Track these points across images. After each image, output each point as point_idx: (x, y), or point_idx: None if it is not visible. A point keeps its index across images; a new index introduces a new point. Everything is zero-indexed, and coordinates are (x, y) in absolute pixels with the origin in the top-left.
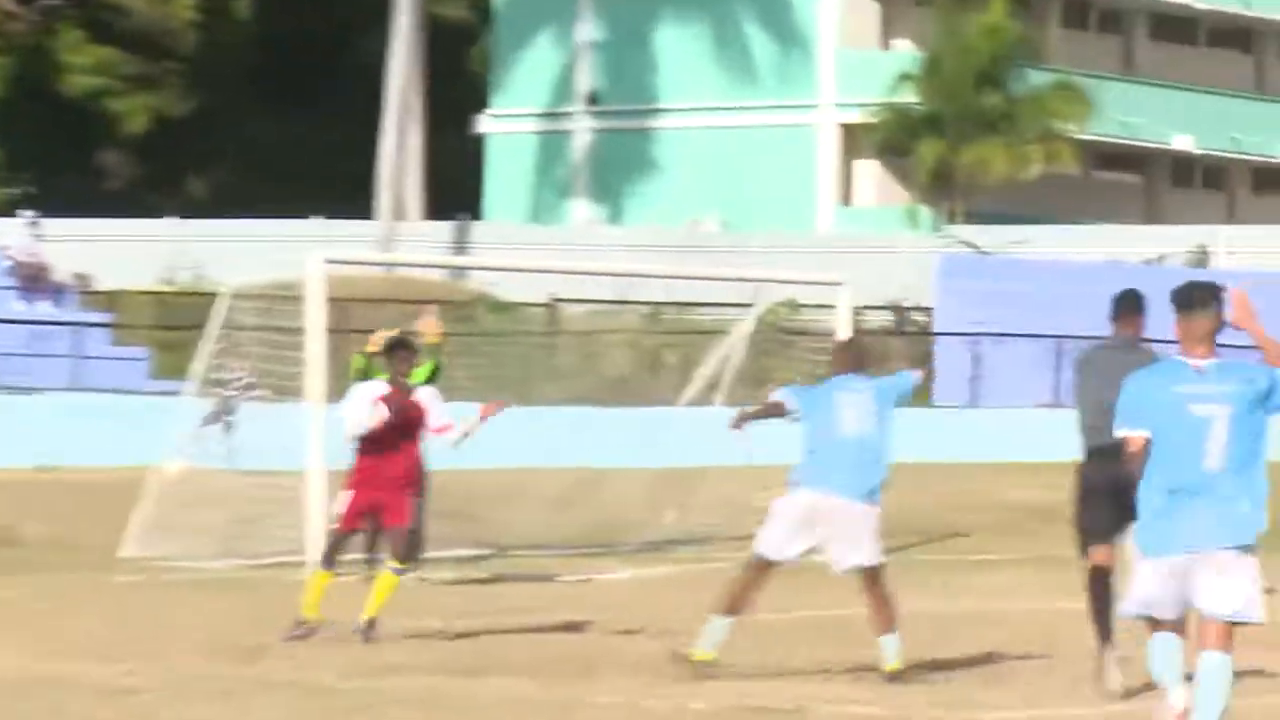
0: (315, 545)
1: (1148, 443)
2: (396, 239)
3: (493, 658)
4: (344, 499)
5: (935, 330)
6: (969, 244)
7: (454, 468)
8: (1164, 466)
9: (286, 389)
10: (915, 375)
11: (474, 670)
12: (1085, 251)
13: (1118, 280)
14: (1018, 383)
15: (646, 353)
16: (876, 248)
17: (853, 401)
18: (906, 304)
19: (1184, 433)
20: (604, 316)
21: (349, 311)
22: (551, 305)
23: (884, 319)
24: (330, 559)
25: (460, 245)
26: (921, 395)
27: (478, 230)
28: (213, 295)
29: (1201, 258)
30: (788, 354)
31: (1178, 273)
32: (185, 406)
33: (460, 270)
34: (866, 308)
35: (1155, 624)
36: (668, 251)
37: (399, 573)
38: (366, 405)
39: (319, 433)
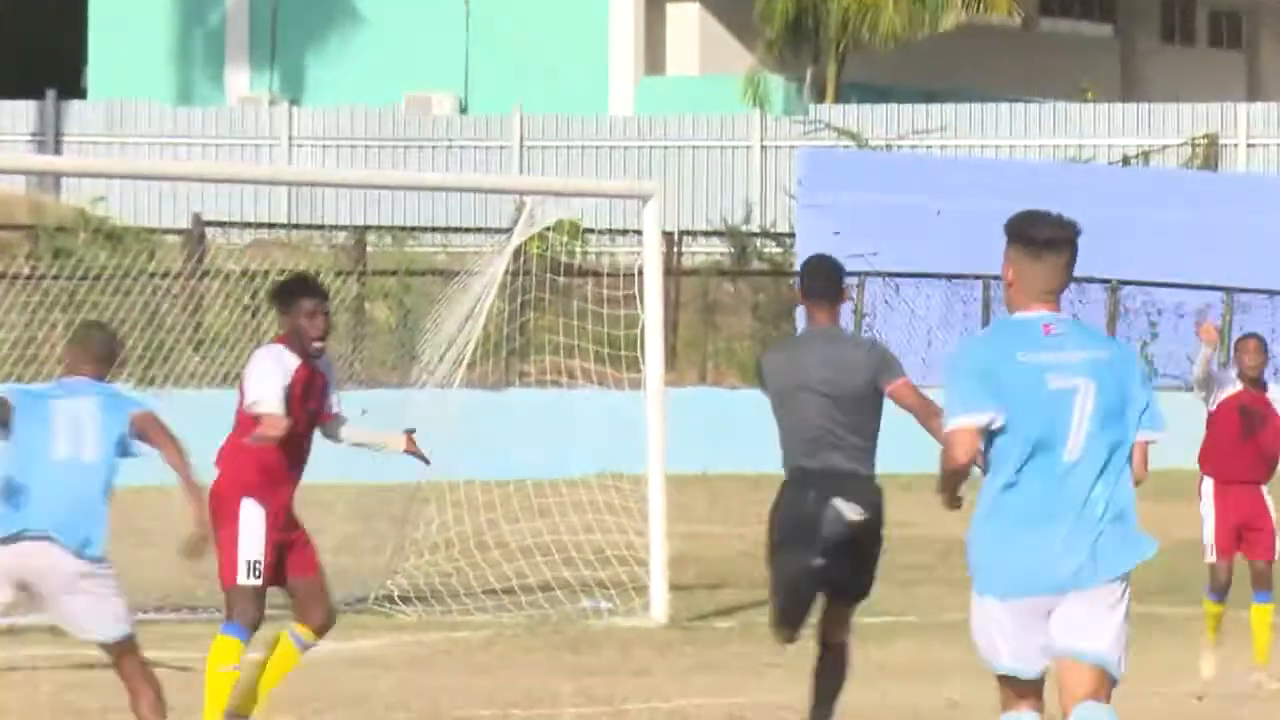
0: None
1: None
2: None
3: None
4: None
5: (796, 269)
6: (846, 133)
7: None
8: (1013, 464)
9: None
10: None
11: None
12: (1026, 146)
13: (1076, 191)
14: (926, 348)
15: (344, 304)
16: (702, 140)
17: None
18: (750, 228)
19: (1041, 417)
20: (277, 249)
21: None
22: (195, 232)
23: (715, 250)
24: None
25: (49, 138)
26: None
27: (77, 114)
28: None
29: (1209, 152)
30: (565, 306)
31: (1169, 176)
32: None
33: (50, 177)
34: (689, 233)
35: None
36: (376, 147)
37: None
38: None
39: None
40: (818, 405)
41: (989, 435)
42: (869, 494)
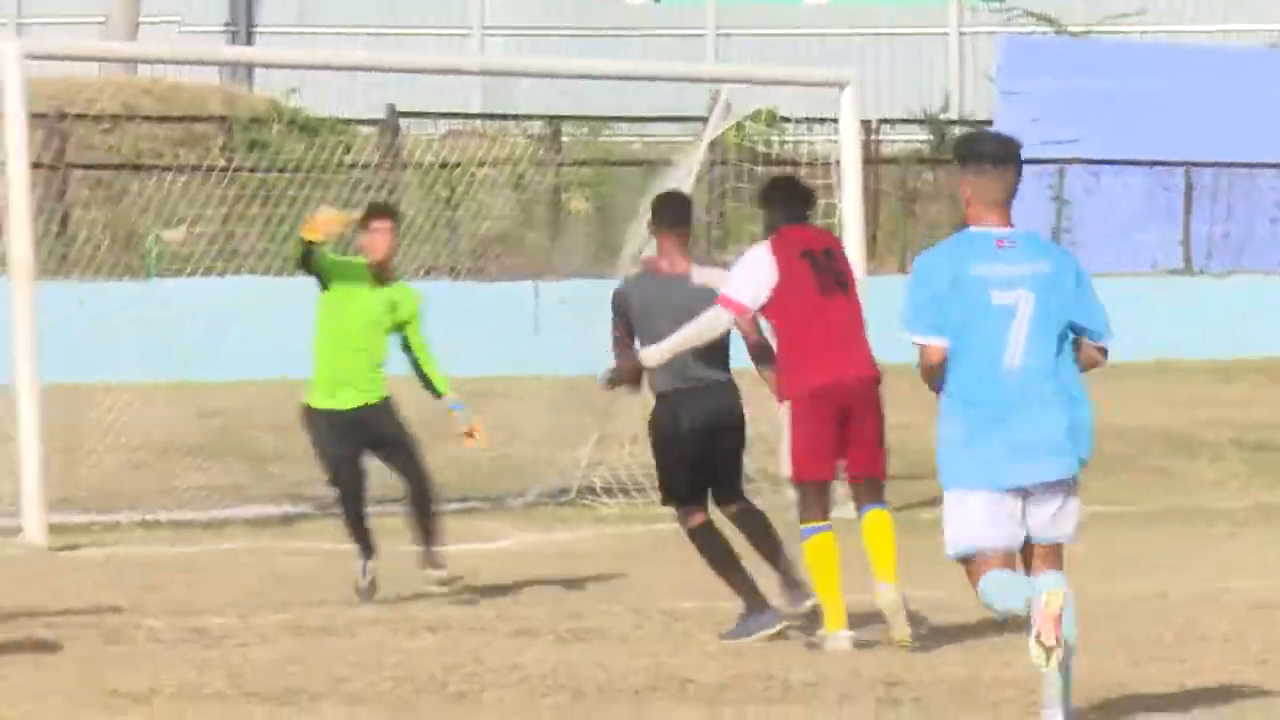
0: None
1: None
2: (138, 19)
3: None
4: None
5: None
6: (1044, 19)
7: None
8: (963, 371)
9: None
10: None
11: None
12: (1226, 31)
13: None
14: (1126, 236)
15: (541, 196)
16: (899, 28)
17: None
18: (948, 116)
19: (984, 329)
20: (472, 139)
21: (87, 137)
22: (390, 123)
23: (913, 138)
24: None
25: (241, 29)
26: None
27: (268, 3)
28: None
29: None
30: None
31: None
32: None
33: (243, 68)
34: (886, 122)
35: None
36: (569, 36)
37: None
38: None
39: (28, 336)
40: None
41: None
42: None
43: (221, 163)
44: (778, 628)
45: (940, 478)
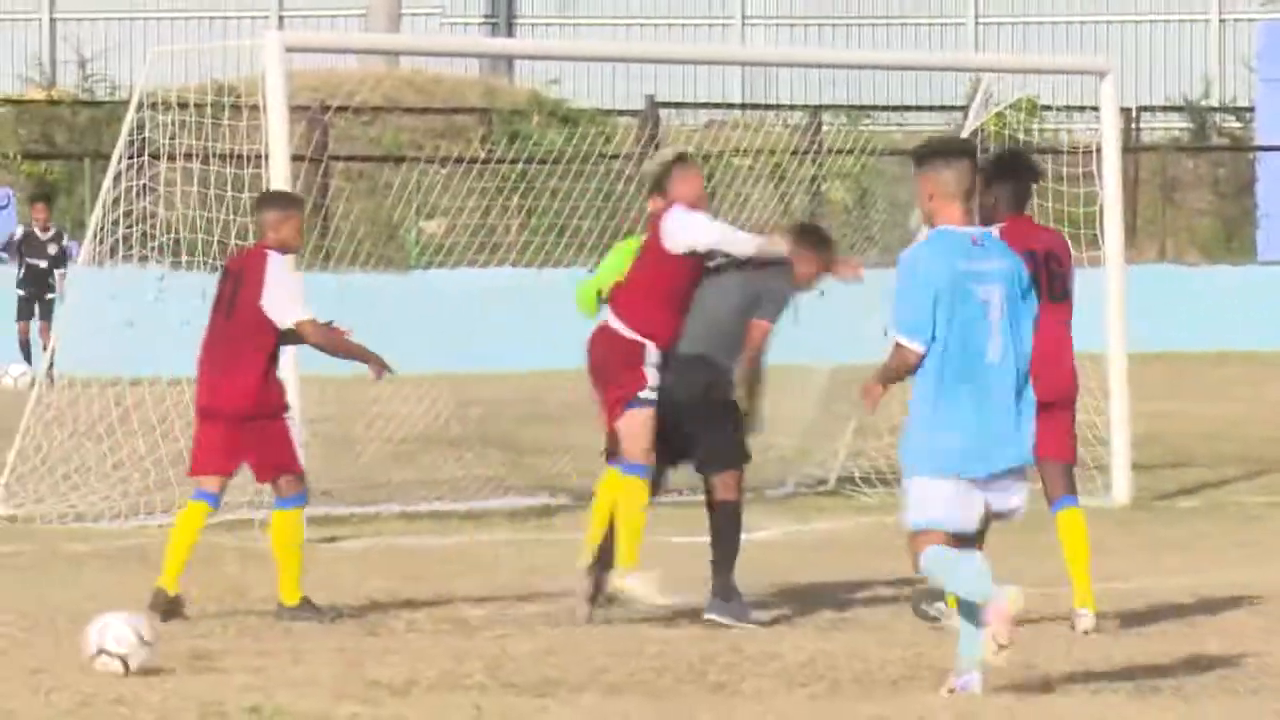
0: None
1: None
2: (400, 11)
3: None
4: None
5: (1255, 144)
6: None
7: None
8: (945, 362)
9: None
10: None
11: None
12: None
13: None
14: None
15: (801, 184)
16: (1160, 14)
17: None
18: (1209, 103)
19: (970, 323)
20: (732, 130)
21: (348, 129)
22: (649, 113)
23: (1173, 126)
24: None
25: (502, 21)
26: (1239, 248)
27: None
28: (111, 105)
29: None
30: None
31: None
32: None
33: (503, 60)
34: (1147, 109)
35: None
36: (829, 25)
37: None
38: None
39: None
40: None
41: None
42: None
43: (482, 154)
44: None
45: (908, 459)
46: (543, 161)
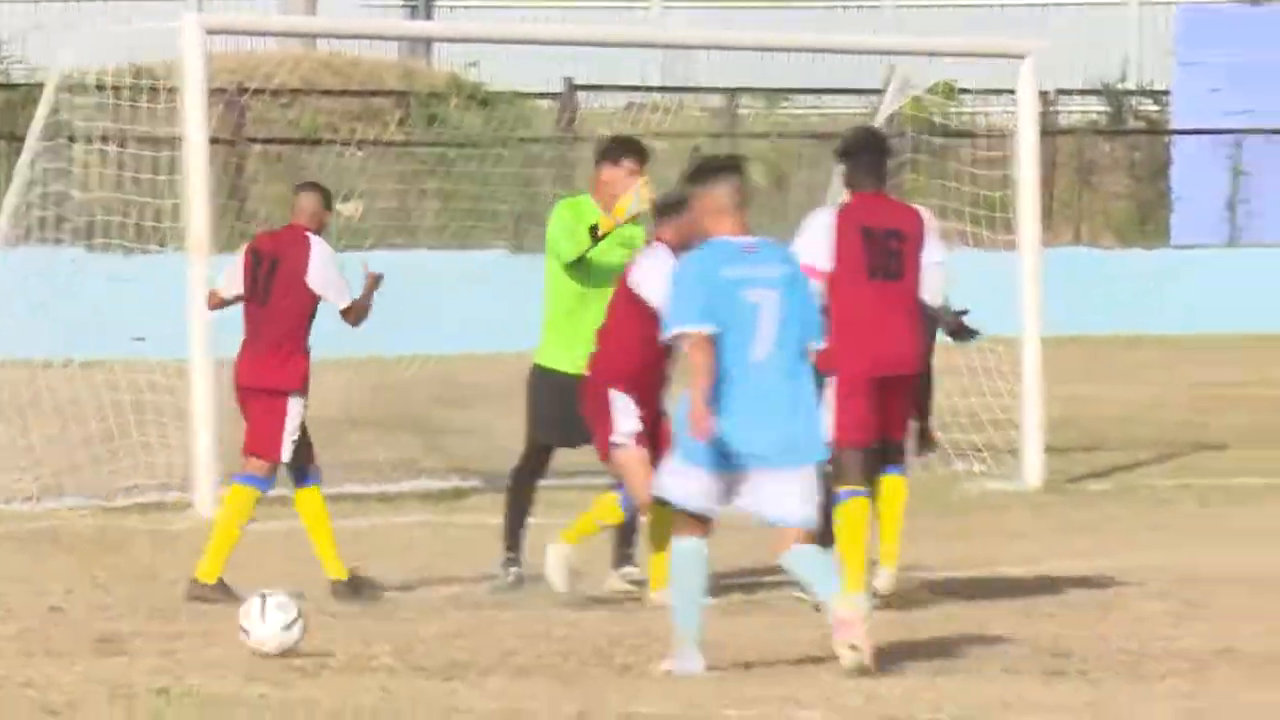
0: (206, 476)
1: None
2: None
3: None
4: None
5: (1173, 127)
6: None
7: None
8: (718, 364)
9: (146, 233)
10: None
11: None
12: None
13: None
14: None
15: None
16: None
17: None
18: (1126, 86)
19: (737, 324)
20: (650, 112)
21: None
22: (567, 96)
23: (1091, 109)
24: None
25: (421, 3)
26: (1154, 232)
27: None
28: (27, 88)
29: None
30: (939, 168)
31: None
32: None
33: (422, 43)
34: (1064, 92)
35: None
36: (748, 9)
37: None
38: None
39: (204, 311)
40: None
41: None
42: None
43: (399, 137)
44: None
45: (675, 445)
46: (461, 144)
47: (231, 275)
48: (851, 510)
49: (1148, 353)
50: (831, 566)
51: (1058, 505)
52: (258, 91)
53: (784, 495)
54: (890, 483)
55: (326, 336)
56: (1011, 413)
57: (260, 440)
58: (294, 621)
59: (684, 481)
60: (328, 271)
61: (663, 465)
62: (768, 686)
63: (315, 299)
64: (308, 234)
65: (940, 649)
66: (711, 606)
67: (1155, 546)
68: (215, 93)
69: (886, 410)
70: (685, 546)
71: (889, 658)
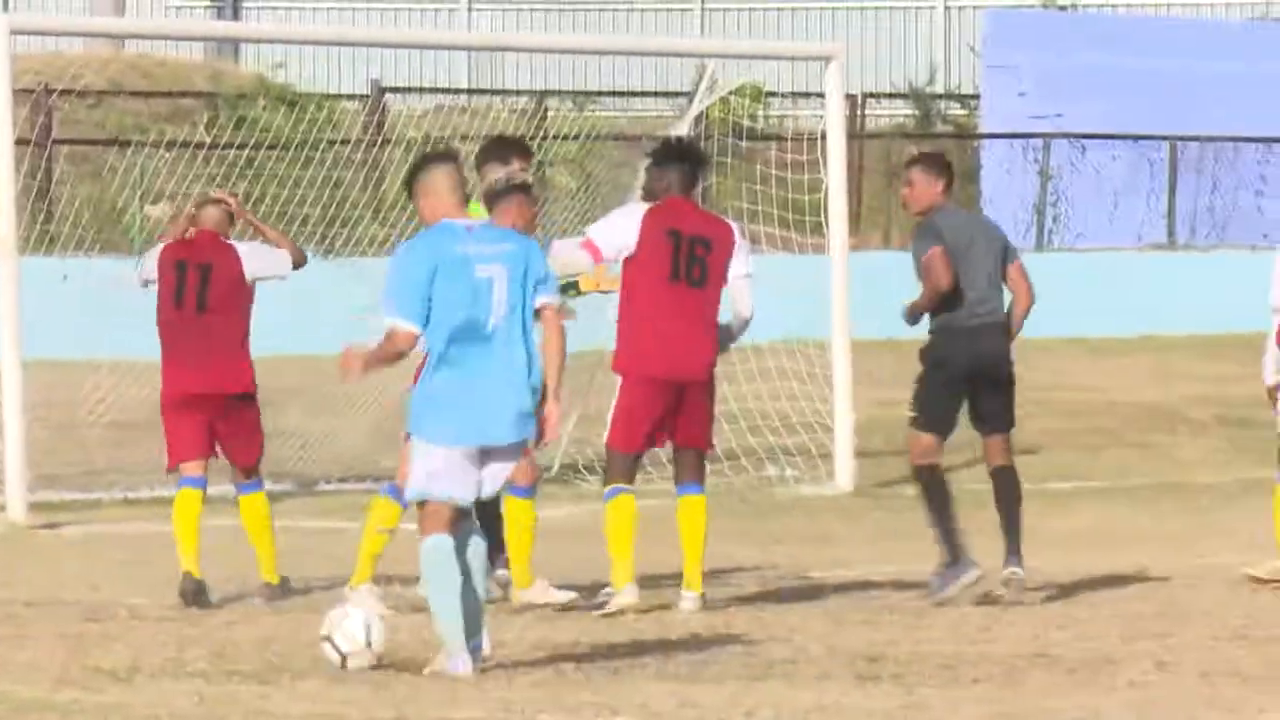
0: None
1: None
2: None
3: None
4: None
5: (981, 131)
6: None
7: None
8: (448, 340)
9: None
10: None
11: None
12: (1213, 4)
13: (1262, 50)
14: (1111, 209)
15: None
16: (885, 1)
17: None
18: (934, 89)
19: (470, 297)
20: (458, 115)
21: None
22: (375, 98)
23: (899, 113)
24: None
25: (228, 4)
26: None
27: None
28: None
29: None
30: (748, 172)
31: None
32: None
33: (229, 43)
34: (872, 96)
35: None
36: (556, 10)
37: None
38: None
39: (11, 312)
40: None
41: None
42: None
43: (207, 138)
44: (975, 577)
45: (411, 426)
46: (269, 146)
47: (152, 257)
48: (617, 507)
49: None
50: (453, 582)
51: (869, 509)
52: (65, 92)
53: (509, 468)
54: (689, 504)
55: (129, 340)
56: (823, 416)
57: (250, 449)
58: (370, 628)
59: (430, 471)
60: (257, 257)
61: (411, 468)
62: (583, 692)
63: (253, 297)
64: (219, 237)
65: (754, 655)
66: (523, 609)
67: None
68: (21, 94)
69: (681, 419)
70: (432, 544)
71: (703, 664)
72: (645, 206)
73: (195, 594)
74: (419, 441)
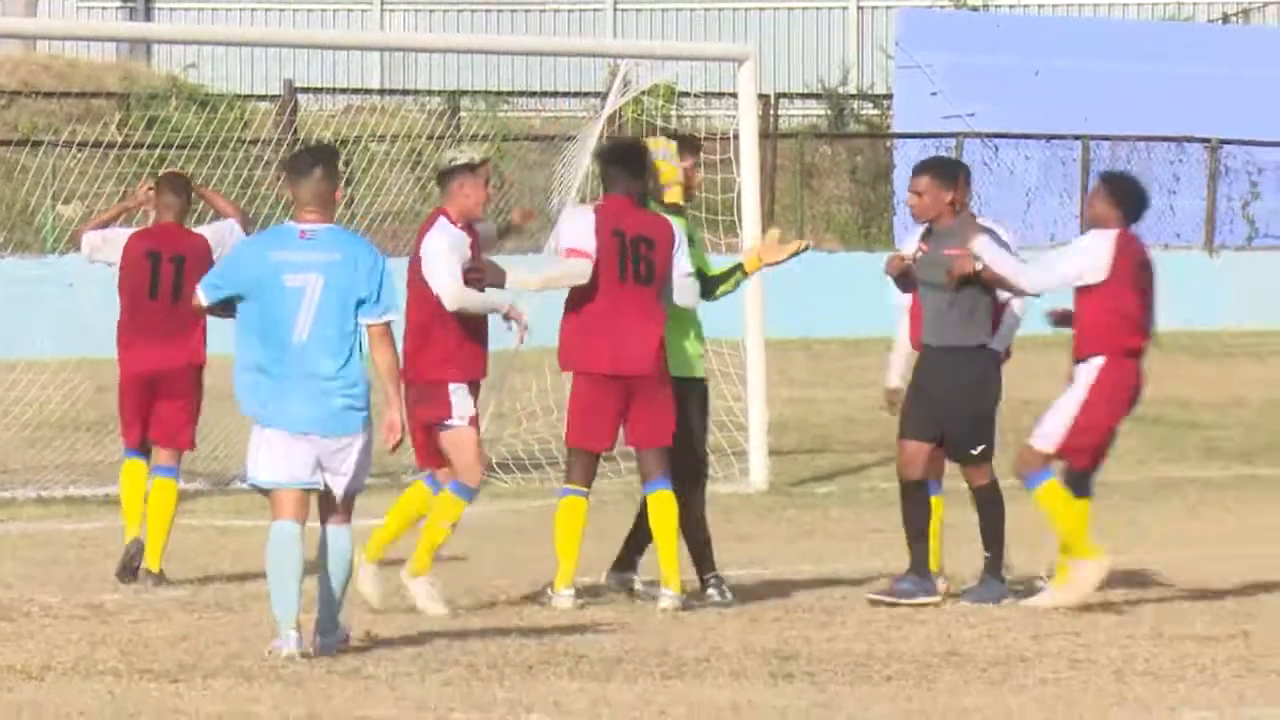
0: None
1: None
2: None
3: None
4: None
5: (893, 131)
6: None
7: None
8: (258, 341)
9: None
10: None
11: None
12: (1125, 4)
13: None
14: (1024, 209)
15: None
16: (797, 2)
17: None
18: (847, 90)
19: (277, 305)
20: (370, 115)
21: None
22: (288, 98)
23: (811, 113)
24: None
25: (140, 5)
26: (877, 235)
27: None
28: None
29: None
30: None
31: (1270, 34)
32: None
33: (141, 44)
34: (785, 96)
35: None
36: (469, 11)
37: None
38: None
39: None
40: None
41: (240, 312)
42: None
43: (119, 138)
44: (934, 600)
45: (243, 408)
46: (181, 146)
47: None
48: (567, 508)
49: (871, 356)
50: (293, 585)
51: (783, 508)
52: None
53: (339, 466)
54: (659, 500)
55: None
56: (736, 415)
57: (181, 435)
58: None
59: (267, 457)
60: (218, 238)
61: (250, 457)
62: (496, 689)
63: None
64: (184, 227)
65: (668, 653)
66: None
67: (879, 549)
68: None
69: (638, 417)
70: (278, 529)
71: (616, 662)
72: (589, 208)
73: (137, 553)
74: (259, 428)
